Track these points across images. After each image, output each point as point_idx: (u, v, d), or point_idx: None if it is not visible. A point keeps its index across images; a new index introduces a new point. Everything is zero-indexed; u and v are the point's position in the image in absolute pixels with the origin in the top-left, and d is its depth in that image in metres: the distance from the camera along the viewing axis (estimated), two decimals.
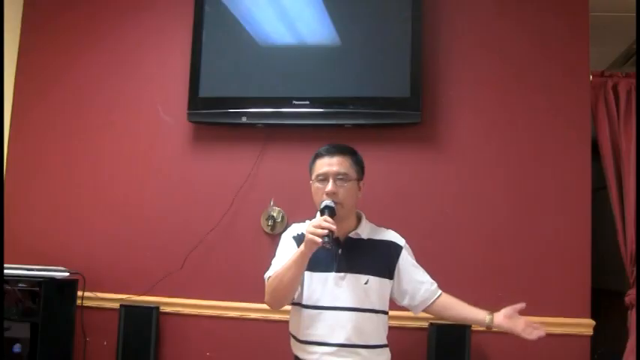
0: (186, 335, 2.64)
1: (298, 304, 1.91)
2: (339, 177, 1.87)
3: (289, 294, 1.84)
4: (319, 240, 1.70)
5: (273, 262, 1.92)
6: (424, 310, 1.98)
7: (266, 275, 1.89)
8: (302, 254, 1.76)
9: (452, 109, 2.61)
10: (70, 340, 2.56)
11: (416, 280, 1.94)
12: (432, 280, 1.98)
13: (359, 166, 1.95)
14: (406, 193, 2.59)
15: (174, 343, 2.64)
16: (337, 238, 1.91)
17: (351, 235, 1.93)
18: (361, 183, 1.96)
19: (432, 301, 1.96)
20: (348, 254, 1.90)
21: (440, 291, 1.97)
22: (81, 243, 2.76)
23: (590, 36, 2.57)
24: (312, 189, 1.92)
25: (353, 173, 1.90)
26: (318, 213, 1.85)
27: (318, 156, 1.93)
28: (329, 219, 1.76)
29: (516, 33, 2.62)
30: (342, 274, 1.87)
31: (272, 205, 2.64)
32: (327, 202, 1.83)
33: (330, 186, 1.85)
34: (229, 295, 2.62)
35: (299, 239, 1.90)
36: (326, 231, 1.71)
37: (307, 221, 1.95)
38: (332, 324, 1.84)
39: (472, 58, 2.63)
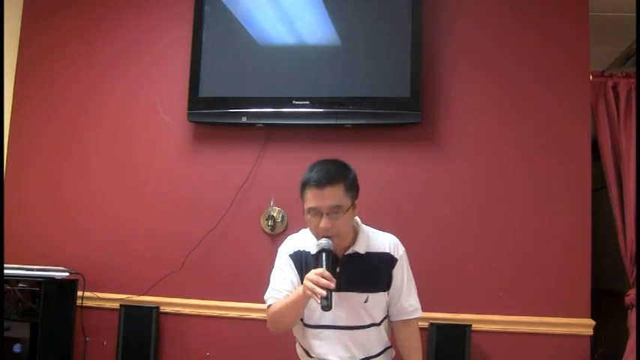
0: (186, 335, 2.64)
1: (300, 320, 1.89)
2: (332, 210, 1.72)
3: (292, 326, 1.88)
4: (318, 300, 1.63)
5: (272, 280, 1.87)
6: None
7: (266, 297, 1.85)
8: (300, 299, 1.71)
9: (452, 109, 2.61)
10: (70, 340, 2.56)
11: (394, 296, 1.88)
12: (411, 304, 1.88)
13: (353, 190, 1.78)
14: (406, 193, 2.59)
15: (174, 343, 2.64)
16: (335, 256, 1.82)
17: (349, 252, 1.85)
18: (356, 201, 1.81)
19: (393, 321, 1.91)
20: (346, 272, 1.82)
21: (406, 317, 1.88)
22: (81, 243, 2.76)
23: (590, 36, 2.57)
24: (306, 218, 1.78)
25: (347, 202, 1.74)
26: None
27: (307, 185, 1.74)
28: (326, 274, 1.64)
29: (516, 33, 2.62)
30: (341, 293, 1.79)
31: (272, 205, 2.64)
32: (323, 243, 1.72)
33: (323, 222, 1.71)
34: (229, 295, 2.62)
35: (296, 257, 1.85)
36: (324, 292, 1.61)
37: (302, 230, 1.91)
38: (334, 342, 1.83)
39: (472, 58, 2.63)
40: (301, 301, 1.71)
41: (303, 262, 1.84)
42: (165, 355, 2.63)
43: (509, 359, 2.44)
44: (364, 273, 1.85)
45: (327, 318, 1.82)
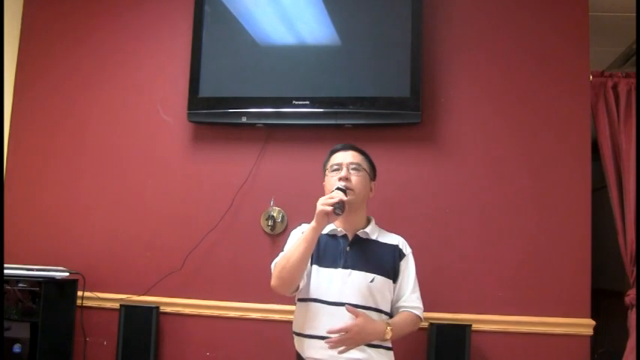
0: (186, 335, 2.64)
1: (304, 300, 1.93)
2: (352, 166, 1.95)
3: (297, 273, 1.84)
4: (329, 208, 1.76)
5: (281, 253, 1.93)
6: None
7: (273, 263, 1.91)
8: (313, 229, 1.80)
9: (452, 109, 2.61)
10: (70, 340, 2.56)
11: (399, 292, 1.96)
12: (413, 301, 1.95)
13: (371, 167, 2.03)
14: (406, 193, 2.59)
15: (174, 343, 2.64)
16: (345, 235, 1.95)
17: (359, 233, 1.96)
18: (372, 183, 2.03)
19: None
20: (355, 251, 1.93)
21: (404, 310, 1.94)
22: (81, 243, 2.76)
23: (590, 36, 2.57)
24: (326, 181, 1.98)
25: (366, 166, 1.99)
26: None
27: (333, 151, 2.02)
28: (339, 192, 1.82)
29: (516, 33, 2.62)
30: (348, 270, 1.90)
31: (272, 205, 2.64)
32: (340, 184, 1.89)
33: (343, 172, 1.92)
34: (229, 295, 2.62)
35: None
36: (336, 199, 1.78)
37: None
38: (336, 319, 1.84)
39: (472, 58, 2.63)
40: (310, 235, 1.80)
41: None
42: (165, 355, 2.63)
43: (509, 359, 2.44)
44: (372, 255, 1.94)
45: (332, 294, 1.88)
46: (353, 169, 1.94)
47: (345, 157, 1.97)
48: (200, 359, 2.61)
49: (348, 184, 1.90)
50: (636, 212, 2.52)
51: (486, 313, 2.47)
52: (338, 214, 1.79)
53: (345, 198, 1.81)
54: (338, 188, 1.86)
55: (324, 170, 2.02)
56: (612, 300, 3.08)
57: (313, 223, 1.80)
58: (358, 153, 2.00)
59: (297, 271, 1.83)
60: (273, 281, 1.88)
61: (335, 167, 1.96)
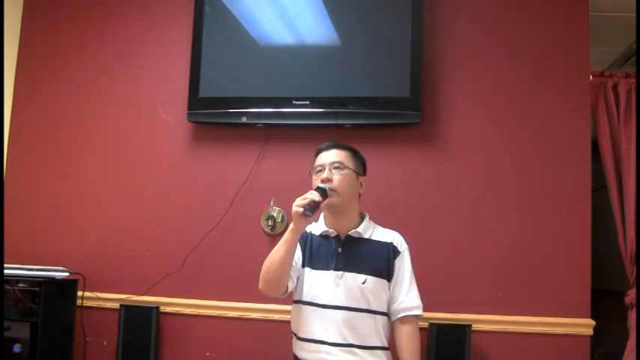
0: (186, 335, 2.64)
1: (298, 302, 1.93)
2: (334, 165, 1.92)
3: (281, 276, 1.84)
4: (301, 210, 1.75)
5: None
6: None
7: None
8: (291, 231, 1.81)
9: (452, 109, 2.61)
10: (70, 340, 2.56)
11: (394, 292, 1.93)
12: (412, 300, 1.91)
13: (358, 160, 1.99)
14: (406, 193, 2.59)
15: (174, 343, 2.64)
16: (338, 236, 1.93)
17: (352, 233, 1.94)
18: (362, 178, 1.99)
19: (393, 320, 1.93)
20: (347, 252, 1.91)
21: (404, 314, 1.90)
22: (81, 243, 2.76)
23: (590, 36, 2.57)
24: (312, 183, 1.95)
25: (350, 164, 1.94)
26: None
27: (318, 152, 1.99)
28: (314, 192, 1.81)
29: (516, 33, 2.61)
30: (340, 272, 1.89)
31: (272, 205, 2.64)
32: (321, 184, 1.88)
33: (325, 173, 1.90)
34: (229, 295, 2.62)
35: (302, 236, 1.93)
36: (308, 200, 1.77)
37: (313, 223, 2.00)
38: (328, 322, 1.85)
39: (472, 58, 2.63)
40: (289, 237, 1.80)
41: (307, 242, 1.95)
42: (165, 355, 2.63)
43: (509, 359, 2.44)
44: (365, 256, 1.92)
45: (324, 297, 1.87)
46: (335, 167, 1.91)
47: (328, 157, 1.94)
48: (200, 359, 2.61)
49: (330, 185, 1.88)
50: (636, 212, 2.52)
51: (486, 313, 2.46)
52: (308, 216, 1.76)
53: (317, 199, 1.79)
54: (318, 187, 1.85)
55: (312, 168, 1.99)
56: (612, 300, 3.07)
57: (292, 225, 1.80)
58: (342, 150, 1.96)
59: (280, 274, 1.83)
60: (260, 284, 1.89)
61: (318, 169, 1.94)
